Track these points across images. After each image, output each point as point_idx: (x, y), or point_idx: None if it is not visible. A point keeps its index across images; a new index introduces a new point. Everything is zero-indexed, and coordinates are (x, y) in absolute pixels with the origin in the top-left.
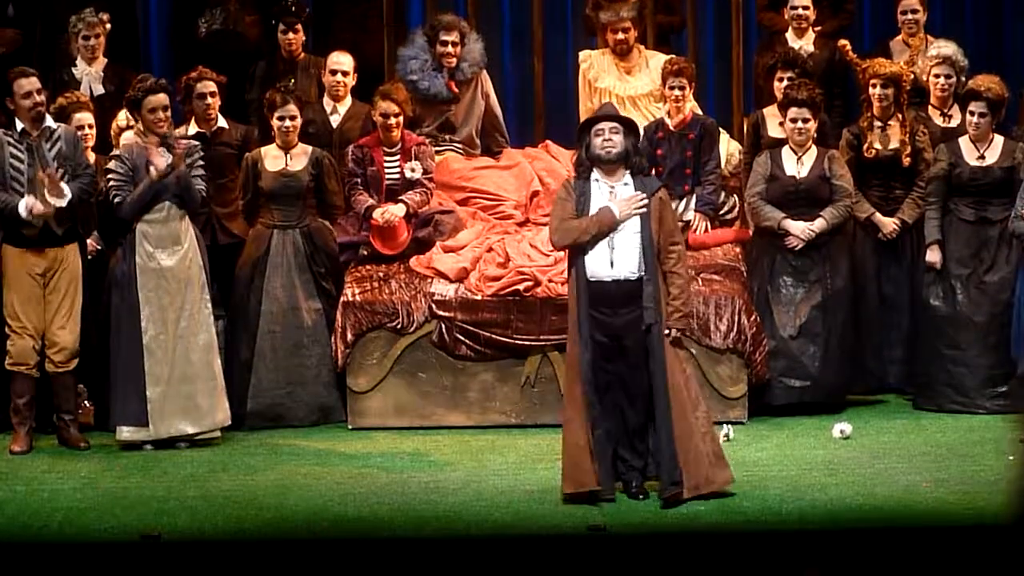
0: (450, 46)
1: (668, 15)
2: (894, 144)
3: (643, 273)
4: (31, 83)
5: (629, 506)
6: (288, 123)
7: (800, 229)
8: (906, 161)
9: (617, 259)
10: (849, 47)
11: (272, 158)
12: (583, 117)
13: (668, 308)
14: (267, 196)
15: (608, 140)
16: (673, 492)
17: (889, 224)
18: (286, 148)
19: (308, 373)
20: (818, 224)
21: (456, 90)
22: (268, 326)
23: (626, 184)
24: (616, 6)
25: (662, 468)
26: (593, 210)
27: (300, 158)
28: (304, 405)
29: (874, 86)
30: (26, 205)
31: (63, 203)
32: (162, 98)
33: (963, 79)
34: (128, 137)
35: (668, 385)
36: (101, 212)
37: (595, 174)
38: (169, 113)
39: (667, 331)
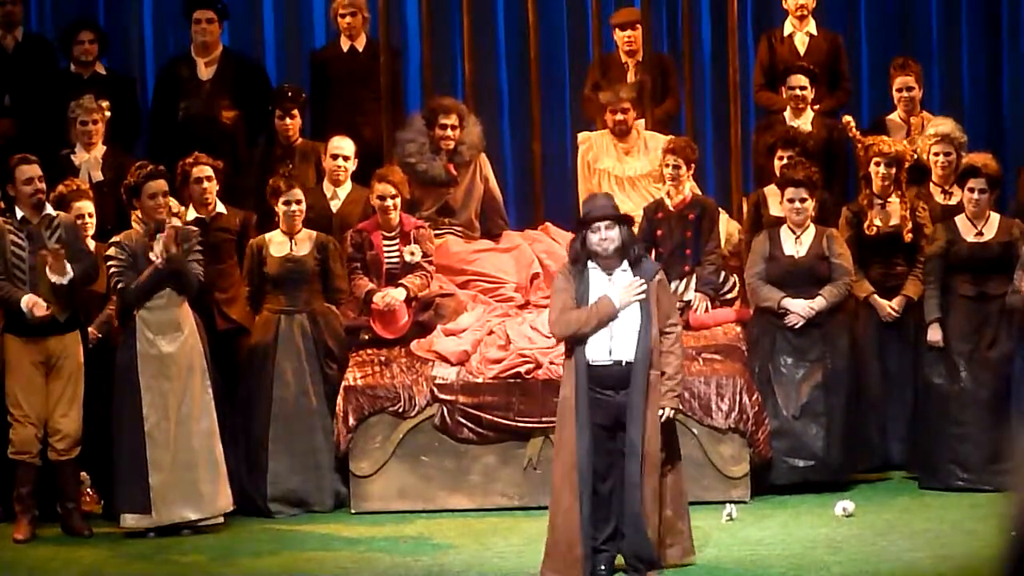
0: (449, 129)
1: (660, 103)
2: (895, 221)
3: (641, 355)
4: (32, 170)
5: None
6: (295, 207)
7: (800, 307)
8: (908, 237)
9: (616, 345)
10: (853, 124)
11: (277, 244)
12: (582, 198)
13: (663, 387)
14: (273, 282)
15: (604, 238)
16: (640, 570)
17: (886, 307)
18: (291, 233)
19: (322, 459)
20: (818, 303)
21: (455, 173)
22: (281, 411)
23: (624, 271)
24: (616, 87)
25: (629, 543)
26: (593, 297)
27: (305, 243)
28: (324, 491)
29: (877, 164)
30: (27, 303)
31: (65, 280)
32: (162, 183)
33: (963, 155)
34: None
35: (645, 457)
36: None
37: (591, 264)
38: (169, 199)
39: (660, 410)
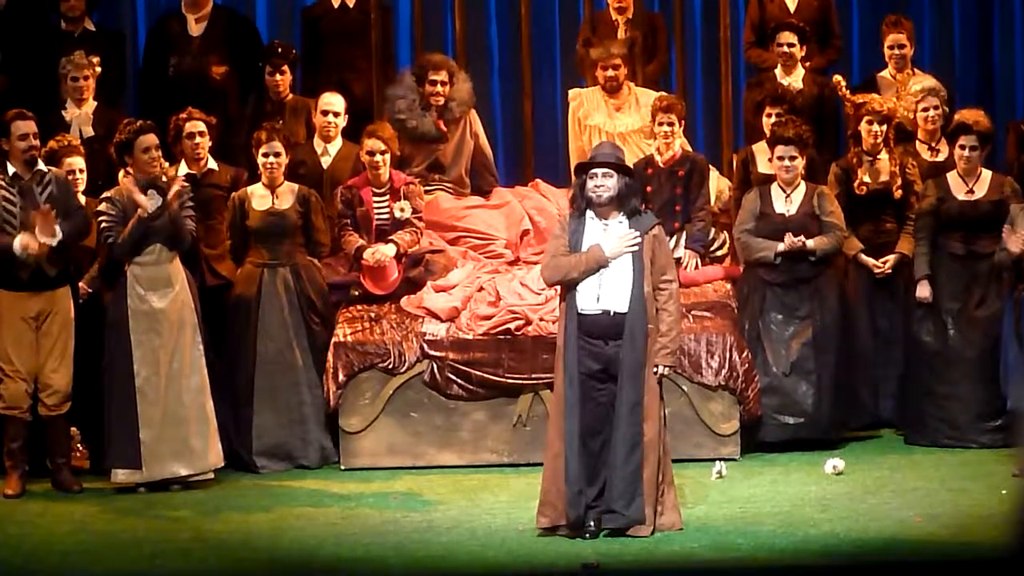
0: (439, 85)
1: (650, 61)
2: (884, 178)
3: (633, 308)
4: (28, 126)
5: (622, 542)
6: (272, 159)
7: (792, 240)
8: (897, 194)
9: (604, 293)
10: (843, 83)
11: (259, 197)
12: (573, 155)
13: (656, 345)
14: (255, 235)
15: (600, 185)
16: (627, 524)
17: (874, 265)
18: (272, 186)
19: (307, 412)
20: (810, 243)
21: (445, 129)
22: (264, 364)
23: (620, 222)
24: (607, 43)
25: (618, 499)
26: (586, 244)
27: (287, 196)
28: (310, 444)
29: (869, 122)
30: (21, 243)
31: (54, 242)
32: (153, 138)
33: (946, 110)
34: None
35: (643, 423)
36: (103, 255)
37: (589, 213)
38: (160, 153)
39: (655, 368)
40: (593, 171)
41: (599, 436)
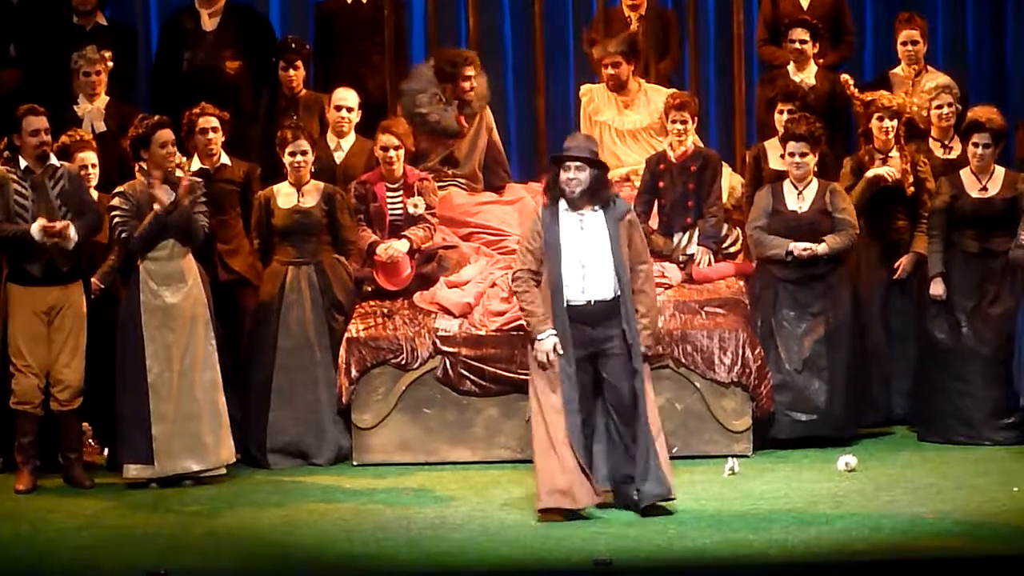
0: (472, 80)
1: (662, 57)
2: (898, 175)
3: (617, 294)
4: (40, 121)
5: (635, 539)
6: (300, 159)
7: (804, 246)
8: (909, 190)
9: (589, 285)
10: (851, 82)
11: (284, 195)
12: None
13: (638, 326)
14: (280, 234)
15: (572, 179)
16: (657, 498)
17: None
18: (298, 185)
19: (324, 411)
20: (821, 247)
21: (465, 124)
22: (284, 362)
23: (595, 211)
24: (605, 42)
25: (646, 476)
26: (564, 242)
27: (312, 194)
28: (326, 443)
29: (880, 119)
30: (39, 226)
31: (70, 246)
32: (170, 133)
33: (959, 107)
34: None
35: (646, 399)
36: (120, 251)
37: (563, 204)
38: (176, 148)
39: (643, 349)
40: (566, 164)
41: (587, 426)
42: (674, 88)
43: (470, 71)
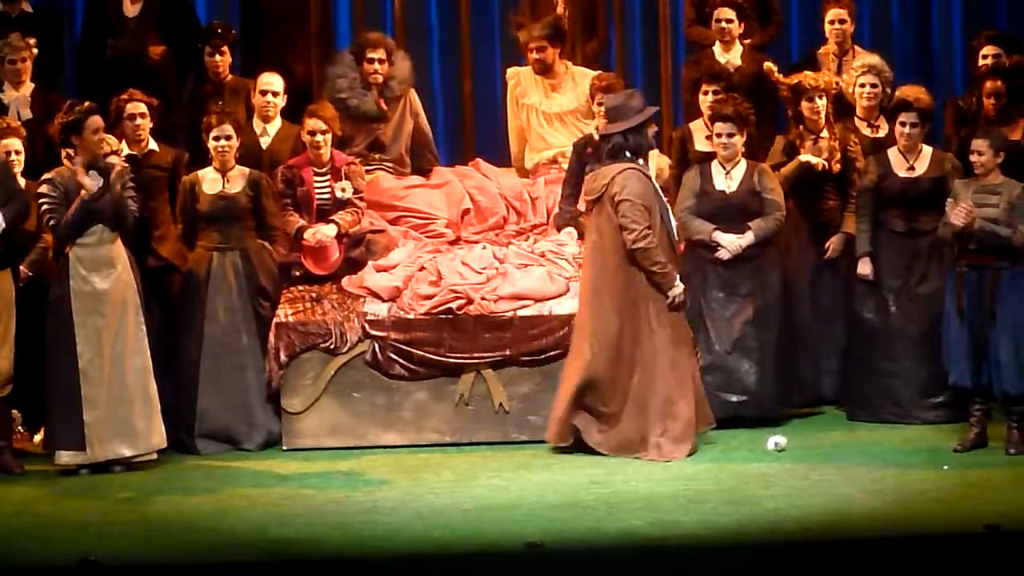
0: (377, 64)
1: (589, 39)
2: (826, 155)
3: None
4: None
5: (565, 521)
6: (224, 144)
7: (729, 242)
8: (836, 167)
9: None
10: (775, 69)
11: (209, 181)
12: (511, 134)
13: None
14: (205, 219)
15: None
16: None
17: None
18: (223, 170)
19: (252, 396)
20: (747, 237)
21: (386, 108)
22: (211, 347)
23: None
24: (531, 26)
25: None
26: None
27: (237, 180)
28: (256, 428)
29: (810, 99)
30: None
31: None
32: (100, 119)
33: (888, 90)
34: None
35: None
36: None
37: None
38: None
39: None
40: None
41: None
42: (600, 70)
43: (373, 54)
